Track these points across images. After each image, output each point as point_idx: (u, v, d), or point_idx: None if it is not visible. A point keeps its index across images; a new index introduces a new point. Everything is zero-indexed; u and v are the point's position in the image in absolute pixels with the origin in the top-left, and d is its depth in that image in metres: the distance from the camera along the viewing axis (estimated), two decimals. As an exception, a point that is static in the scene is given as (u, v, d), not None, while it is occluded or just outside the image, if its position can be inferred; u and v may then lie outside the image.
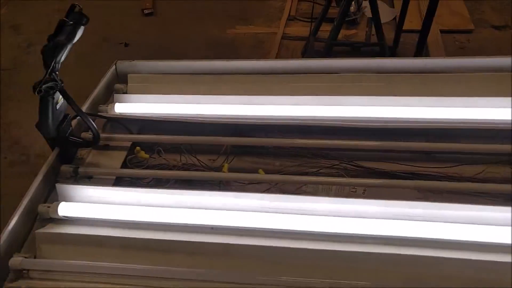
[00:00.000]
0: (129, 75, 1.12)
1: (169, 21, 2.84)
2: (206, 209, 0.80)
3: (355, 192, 0.87)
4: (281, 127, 0.95)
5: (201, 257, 0.76)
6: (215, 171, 0.91)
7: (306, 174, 0.90)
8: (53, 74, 0.77)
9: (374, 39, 2.40)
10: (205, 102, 1.03)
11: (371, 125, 0.93)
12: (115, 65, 1.14)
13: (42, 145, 2.09)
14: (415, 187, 0.83)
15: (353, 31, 2.43)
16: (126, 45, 2.70)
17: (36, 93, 0.72)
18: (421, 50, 1.96)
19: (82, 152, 0.97)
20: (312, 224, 0.76)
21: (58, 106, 0.84)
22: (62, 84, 0.82)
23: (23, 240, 0.83)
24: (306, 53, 2.33)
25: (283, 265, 0.73)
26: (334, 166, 0.91)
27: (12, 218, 0.81)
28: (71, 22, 0.71)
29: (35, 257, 0.80)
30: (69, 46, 0.74)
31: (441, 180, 0.85)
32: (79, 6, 0.74)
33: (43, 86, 0.73)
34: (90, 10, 0.81)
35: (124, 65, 1.14)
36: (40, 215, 0.85)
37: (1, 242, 0.78)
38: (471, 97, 0.92)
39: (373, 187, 0.85)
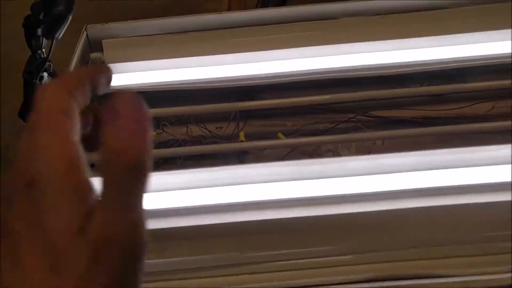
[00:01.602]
0: (104, 41, 0.97)
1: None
2: (230, 185, 0.74)
3: (375, 144, 0.85)
4: (289, 84, 0.88)
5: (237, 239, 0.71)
6: (230, 140, 0.84)
7: (324, 132, 0.86)
8: (42, 51, 0.63)
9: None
10: (198, 64, 0.92)
11: (377, 72, 0.89)
12: (86, 31, 0.98)
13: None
14: (435, 132, 0.82)
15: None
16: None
17: (37, 81, 0.58)
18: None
19: (73, 137, 0.85)
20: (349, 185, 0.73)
21: (45, 90, 0.71)
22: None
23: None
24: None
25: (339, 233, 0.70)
26: (350, 120, 0.87)
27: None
28: (67, -16, 0.56)
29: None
30: (70, 17, 0.60)
31: (457, 122, 0.84)
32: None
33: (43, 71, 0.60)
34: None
35: (96, 29, 0.98)
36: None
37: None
38: (473, 32, 0.91)
39: (395, 138, 0.83)
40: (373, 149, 0.84)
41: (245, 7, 2.22)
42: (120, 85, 0.91)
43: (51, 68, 0.65)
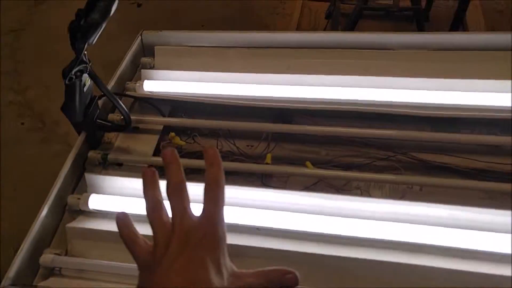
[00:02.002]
0: (156, 47, 1.01)
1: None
2: (251, 207, 0.73)
3: (411, 188, 0.79)
4: (329, 112, 0.85)
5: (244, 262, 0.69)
6: (257, 160, 0.82)
7: (358, 167, 0.81)
8: (83, 54, 0.67)
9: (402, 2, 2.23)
10: (242, 81, 0.92)
11: (427, 113, 0.82)
12: (141, 36, 1.02)
13: (57, 112, 2.04)
14: (483, 188, 0.74)
15: (382, -7, 2.24)
16: (138, 5, 2.54)
17: (67, 81, 0.62)
18: (461, 15, 1.81)
19: (109, 135, 0.88)
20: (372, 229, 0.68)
21: (85, 89, 0.74)
22: (91, 64, 0.71)
23: (53, 233, 0.76)
24: (331, 16, 2.18)
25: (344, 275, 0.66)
26: (389, 158, 0.82)
27: (41, 211, 0.73)
28: (105, -4, 0.60)
29: (66, 253, 0.74)
30: (103, 25, 0.63)
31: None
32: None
33: (73, 72, 0.63)
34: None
35: (150, 35, 1.02)
36: (70, 207, 0.77)
37: (31, 236, 0.71)
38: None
39: (435, 186, 0.76)
40: (408, 194, 0.77)
41: (314, 27, 2.21)
42: (164, 92, 0.94)
43: (88, 70, 0.68)
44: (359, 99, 0.87)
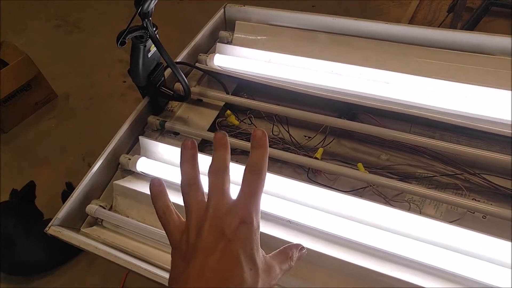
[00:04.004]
0: (237, 22, 1.05)
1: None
2: (288, 199, 0.73)
3: (473, 214, 0.72)
4: (399, 114, 0.80)
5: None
6: (309, 152, 0.82)
7: (417, 179, 0.77)
8: (145, 21, 0.73)
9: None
10: (313, 68, 0.92)
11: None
12: (224, 9, 1.07)
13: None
14: None
15: (524, -12, 1.99)
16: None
17: (118, 45, 0.68)
18: None
19: (173, 104, 0.95)
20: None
21: (150, 54, 0.81)
22: (156, 31, 0.78)
23: (104, 186, 0.86)
24: (454, 9, 2.01)
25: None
26: (456, 175, 0.76)
27: (94, 164, 0.82)
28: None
29: (111, 207, 0.83)
30: None
31: None
32: None
33: (127, 37, 0.69)
34: None
35: (233, 9, 1.06)
36: (121, 166, 0.86)
37: (82, 185, 0.81)
38: None
39: (502, 218, 0.68)
40: (467, 220, 0.71)
41: (430, 20, 2.07)
42: (233, 68, 0.97)
43: (148, 36, 0.74)
44: (436, 106, 0.81)
